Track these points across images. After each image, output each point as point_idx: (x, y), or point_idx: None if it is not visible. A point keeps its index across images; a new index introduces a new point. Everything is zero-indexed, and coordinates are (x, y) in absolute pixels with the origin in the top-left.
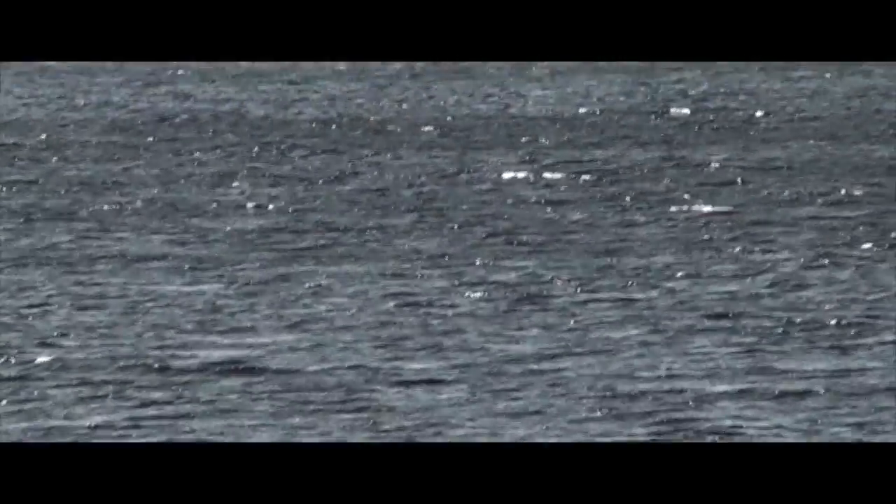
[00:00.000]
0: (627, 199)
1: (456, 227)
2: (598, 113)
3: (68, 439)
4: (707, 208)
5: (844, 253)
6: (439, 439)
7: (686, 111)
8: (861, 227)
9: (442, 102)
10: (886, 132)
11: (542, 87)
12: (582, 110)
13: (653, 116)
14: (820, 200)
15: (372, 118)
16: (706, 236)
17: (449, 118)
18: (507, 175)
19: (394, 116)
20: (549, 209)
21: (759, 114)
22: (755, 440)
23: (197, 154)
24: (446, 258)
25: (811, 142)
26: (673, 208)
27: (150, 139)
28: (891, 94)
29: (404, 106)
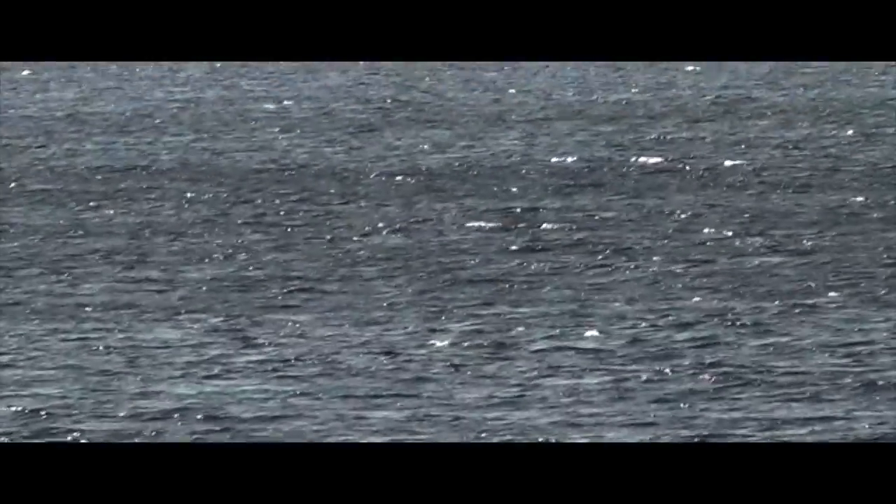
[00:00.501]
0: (599, 247)
1: (428, 275)
2: (571, 161)
3: (67, 439)
4: (678, 257)
5: (813, 302)
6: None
7: (659, 160)
8: (830, 276)
9: (418, 151)
10: (857, 181)
11: (518, 136)
12: (554, 160)
13: (627, 165)
14: (790, 249)
15: (347, 167)
16: (678, 285)
17: (423, 167)
18: (479, 224)
19: (369, 165)
20: (520, 258)
21: (728, 163)
22: (754, 440)
23: (170, 202)
24: (418, 307)
25: (783, 191)
26: (644, 257)
27: (123, 185)
28: (862, 143)
29: (379, 154)
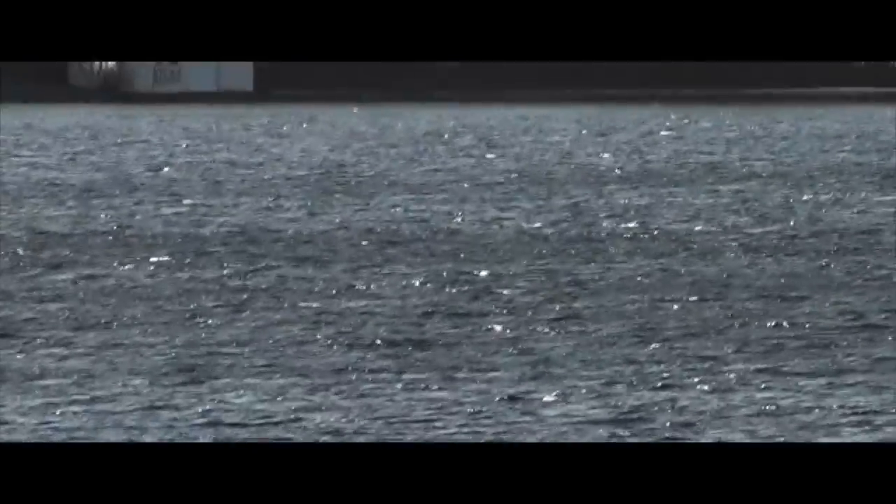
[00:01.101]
0: (565, 312)
1: (392, 339)
2: (540, 226)
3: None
4: (640, 324)
5: (779, 367)
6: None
7: (628, 224)
8: (790, 344)
9: (390, 216)
10: (824, 247)
11: (485, 205)
12: (525, 224)
13: (594, 233)
14: (755, 314)
15: (317, 231)
16: (635, 352)
17: (395, 232)
18: (448, 289)
19: (331, 230)
20: (486, 322)
21: (698, 228)
22: (755, 441)
23: (127, 267)
24: (382, 371)
25: (749, 256)
26: (605, 323)
27: (94, 251)
28: (829, 209)
29: (349, 219)
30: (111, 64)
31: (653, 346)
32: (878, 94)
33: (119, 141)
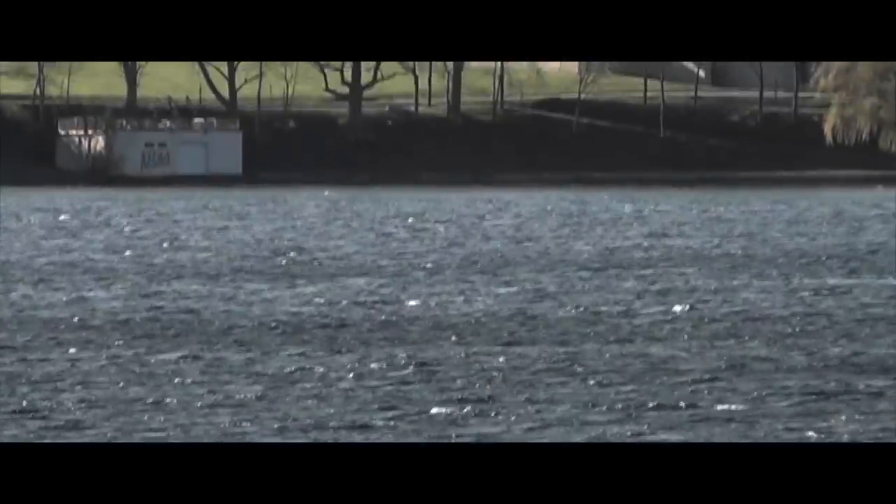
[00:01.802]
0: (517, 399)
1: (342, 424)
2: (497, 310)
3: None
4: (598, 409)
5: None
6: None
7: (581, 308)
8: (739, 430)
9: (344, 299)
10: (767, 332)
11: (447, 289)
12: (485, 308)
13: (555, 317)
14: (696, 401)
15: (262, 315)
16: (591, 435)
17: (344, 318)
18: (398, 373)
19: (289, 312)
20: (435, 406)
21: (678, 308)
22: (755, 441)
23: (77, 350)
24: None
25: (695, 340)
26: (565, 404)
27: (47, 336)
28: (778, 294)
29: (300, 304)
30: (100, 147)
31: (608, 429)
32: (858, 176)
33: (88, 224)
